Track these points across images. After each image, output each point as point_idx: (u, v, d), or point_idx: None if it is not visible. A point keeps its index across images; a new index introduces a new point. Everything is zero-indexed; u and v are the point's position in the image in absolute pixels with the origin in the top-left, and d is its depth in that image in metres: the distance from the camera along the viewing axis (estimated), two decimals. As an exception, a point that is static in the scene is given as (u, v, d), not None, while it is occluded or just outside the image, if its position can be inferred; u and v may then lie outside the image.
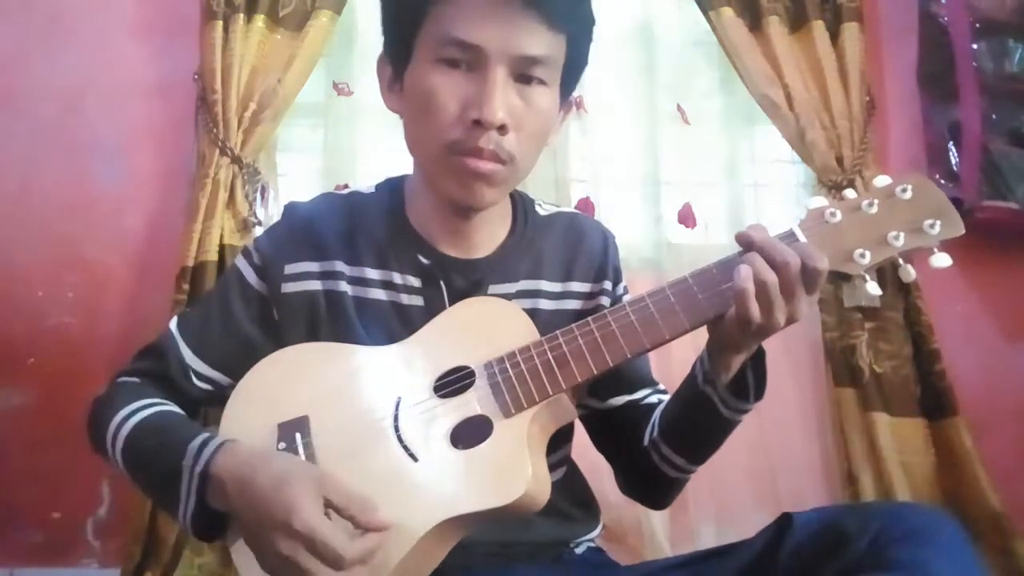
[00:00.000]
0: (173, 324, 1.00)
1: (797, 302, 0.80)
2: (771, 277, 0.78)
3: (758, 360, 0.89)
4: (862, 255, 0.81)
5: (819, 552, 0.75)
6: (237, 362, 0.93)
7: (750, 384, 0.88)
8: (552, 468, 0.87)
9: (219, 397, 0.94)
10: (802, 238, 0.82)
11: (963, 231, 0.82)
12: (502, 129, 0.87)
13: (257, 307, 0.99)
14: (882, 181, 0.85)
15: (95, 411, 0.94)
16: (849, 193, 0.85)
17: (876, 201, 0.83)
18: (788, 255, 0.78)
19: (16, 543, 1.93)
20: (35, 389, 1.96)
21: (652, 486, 1.02)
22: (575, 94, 2.20)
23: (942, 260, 0.82)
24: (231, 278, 1.02)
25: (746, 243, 0.81)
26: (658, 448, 0.96)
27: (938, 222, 0.82)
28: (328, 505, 0.75)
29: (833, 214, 0.83)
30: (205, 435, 0.84)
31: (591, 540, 1.04)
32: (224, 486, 0.79)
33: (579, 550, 1.01)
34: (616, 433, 1.04)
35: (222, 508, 0.81)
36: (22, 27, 2.08)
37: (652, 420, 0.98)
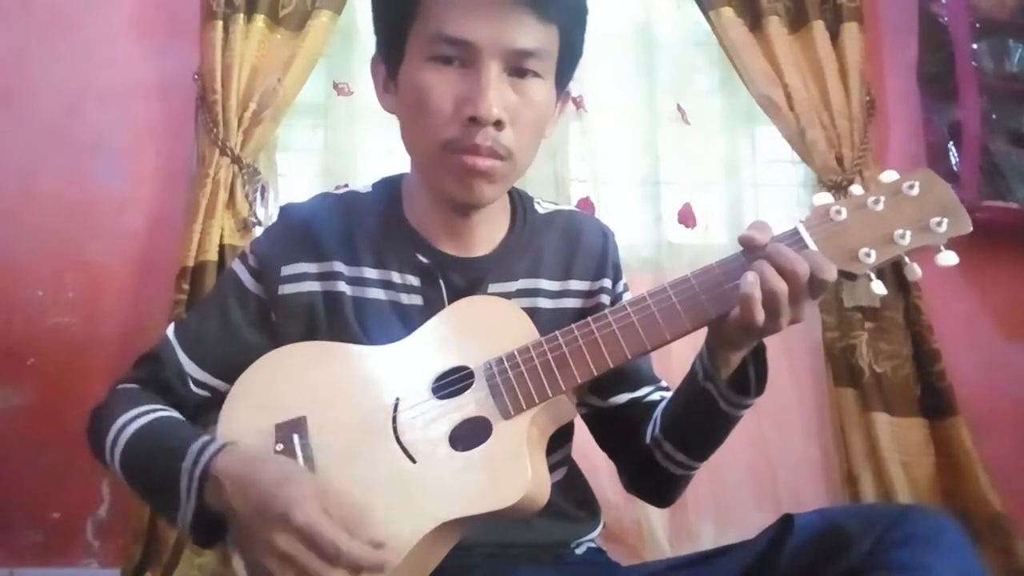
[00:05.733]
0: (170, 331, 0.99)
1: (801, 307, 0.79)
2: (781, 286, 0.77)
3: (758, 355, 0.88)
4: (867, 254, 0.80)
5: (820, 554, 0.75)
6: (235, 367, 0.92)
7: (751, 379, 0.88)
8: (552, 468, 0.87)
9: (217, 403, 0.92)
10: (807, 237, 0.81)
11: (971, 229, 0.80)
12: (498, 125, 0.87)
13: (255, 310, 0.98)
14: (889, 177, 0.83)
15: (94, 420, 0.93)
16: (855, 190, 0.83)
17: (882, 198, 0.81)
18: (798, 264, 0.77)
19: (16, 543, 1.93)
20: (35, 389, 1.97)
21: (655, 484, 1.02)
22: (575, 94, 2.20)
23: (949, 259, 0.79)
24: (228, 283, 1.01)
25: (750, 246, 0.80)
26: (660, 445, 0.96)
27: (945, 220, 0.80)
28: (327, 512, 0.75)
29: (839, 212, 0.81)
30: (205, 438, 0.84)
31: (592, 540, 1.03)
32: (222, 486, 0.79)
33: (579, 550, 1.01)
34: (618, 431, 1.04)
35: (218, 508, 0.80)
36: (22, 27, 2.09)
37: (654, 417, 0.98)
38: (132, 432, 0.88)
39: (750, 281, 0.77)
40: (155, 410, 0.91)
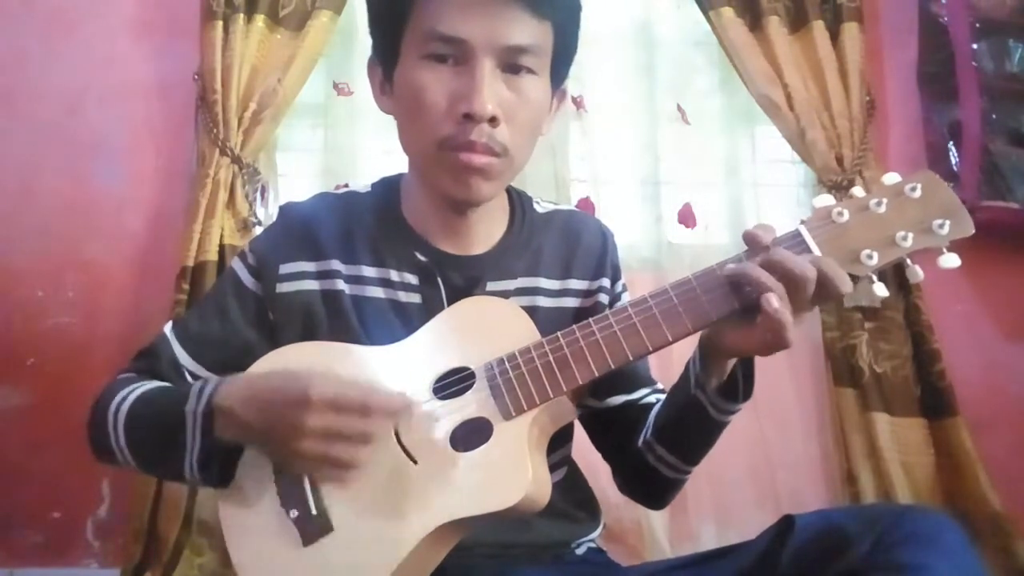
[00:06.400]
0: (167, 328, 1.00)
1: (801, 316, 0.79)
2: (779, 289, 0.77)
3: (747, 360, 0.88)
4: (869, 256, 0.79)
5: (820, 554, 0.75)
6: (232, 364, 0.92)
7: (739, 386, 0.88)
8: (552, 468, 0.87)
9: None
10: (809, 239, 0.80)
11: (973, 231, 0.80)
12: (493, 121, 0.87)
13: (253, 308, 0.98)
14: (891, 179, 0.82)
15: (93, 411, 0.94)
16: (857, 191, 0.83)
17: (884, 200, 0.80)
18: (808, 271, 0.76)
19: (16, 543, 1.93)
20: (35, 389, 1.97)
21: (649, 486, 1.02)
22: (576, 93, 2.20)
23: (951, 261, 0.79)
24: (226, 280, 1.02)
25: (754, 243, 0.80)
26: (652, 448, 0.96)
27: (947, 222, 0.79)
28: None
29: (840, 213, 0.81)
30: (202, 381, 0.86)
31: (592, 541, 1.04)
32: (232, 410, 0.80)
33: (580, 551, 1.01)
34: (614, 433, 1.04)
35: (233, 436, 0.82)
36: (22, 27, 2.08)
37: (647, 420, 0.98)
38: (133, 399, 0.89)
39: (776, 307, 0.76)
40: (150, 382, 0.93)
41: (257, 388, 0.81)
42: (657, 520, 1.96)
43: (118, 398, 0.90)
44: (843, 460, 2.07)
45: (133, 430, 0.89)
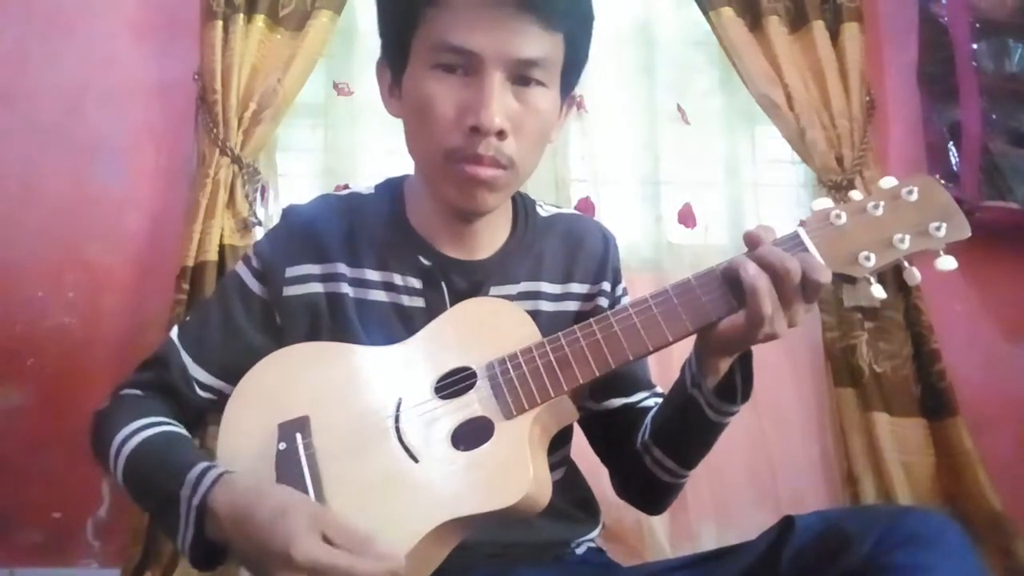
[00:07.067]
0: (174, 334, 0.99)
1: (795, 310, 0.79)
2: (764, 280, 0.77)
3: (745, 361, 0.88)
4: (867, 258, 0.80)
5: (821, 556, 0.75)
6: (240, 370, 0.91)
7: (737, 386, 0.88)
8: (552, 468, 0.87)
9: (222, 406, 0.92)
10: (807, 241, 0.81)
11: (969, 234, 0.81)
12: (501, 135, 0.86)
13: (259, 312, 0.98)
14: (888, 183, 0.83)
15: (97, 426, 0.93)
16: (855, 194, 0.84)
17: (882, 203, 0.81)
18: (789, 262, 0.77)
19: (16, 543, 1.93)
20: (35, 389, 1.97)
21: (646, 490, 1.02)
22: (576, 93, 2.20)
23: (947, 263, 0.80)
24: (231, 285, 1.01)
25: (754, 243, 0.80)
26: (649, 451, 0.96)
27: (944, 225, 0.80)
28: (326, 540, 0.73)
29: (838, 216, 0.81)
30: (204, 464, 0.82)
31: (591, 540, 1.04)
32: (220, 520, 0.78)
33: (580, 551, 1.01)
34: (611, 436, 1.04)
35: (220, 540, 0.80)
36: (22, 27, 2.09)
37: (644, 423, 0.98)
38: (133, 447, 0.88)
39: (752, 273, 0.77)
40: (156, 423, 0.91)
41: (248, 511, 0.76)
42: (657, 520, 1.96)
43: (121, 436, 0.89)
44: (843, 460, 2.07)
45: (130, 483, 0.89)
